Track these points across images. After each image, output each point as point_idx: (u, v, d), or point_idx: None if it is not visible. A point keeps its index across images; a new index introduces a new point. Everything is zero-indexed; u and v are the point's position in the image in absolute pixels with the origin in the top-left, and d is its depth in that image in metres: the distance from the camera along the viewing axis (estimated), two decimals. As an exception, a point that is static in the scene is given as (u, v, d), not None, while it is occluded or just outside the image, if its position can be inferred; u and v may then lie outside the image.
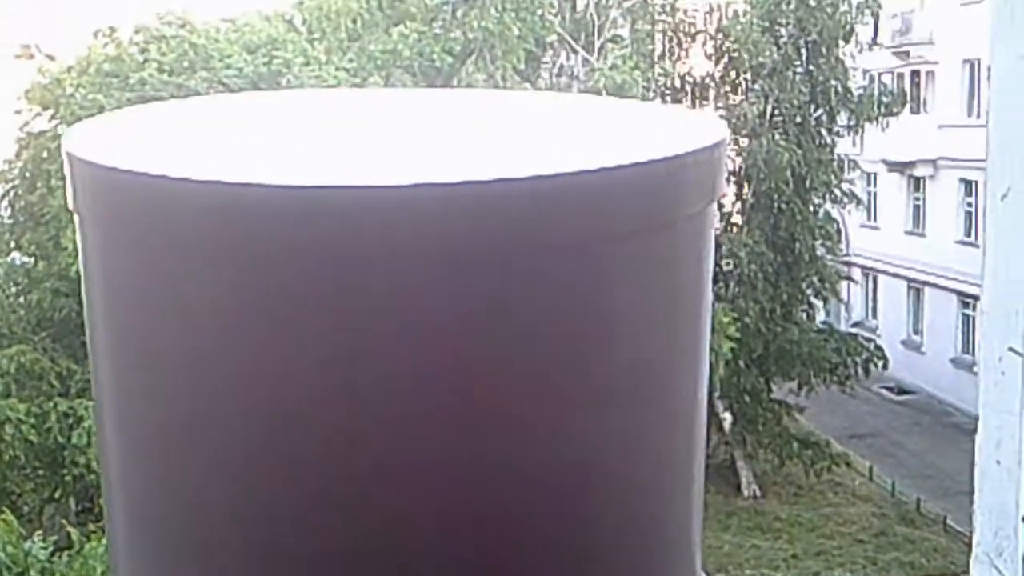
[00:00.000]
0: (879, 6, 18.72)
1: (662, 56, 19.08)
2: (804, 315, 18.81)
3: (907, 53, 22.82)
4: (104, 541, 8.06)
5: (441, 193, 0.53)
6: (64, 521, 10.18)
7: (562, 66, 18.36)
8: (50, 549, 8.34)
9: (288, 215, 0.53)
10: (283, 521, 0.56)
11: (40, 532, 8.84)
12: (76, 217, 0.60)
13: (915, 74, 22.96)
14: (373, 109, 0.74)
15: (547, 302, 0.55)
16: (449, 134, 0.67)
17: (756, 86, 18.84)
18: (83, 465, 11.03)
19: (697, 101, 19.19)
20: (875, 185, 23.79)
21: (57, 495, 11.62)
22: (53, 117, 13.67)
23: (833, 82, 18.86)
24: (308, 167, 0.58)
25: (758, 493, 17.16)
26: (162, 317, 0.56)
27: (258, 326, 0.54)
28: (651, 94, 17.14)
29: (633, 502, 0.60)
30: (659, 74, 18.52)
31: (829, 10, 18.23)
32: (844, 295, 20.85)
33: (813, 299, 18.93)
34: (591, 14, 17.85)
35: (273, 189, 0.53)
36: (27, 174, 13.47)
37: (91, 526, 9.62)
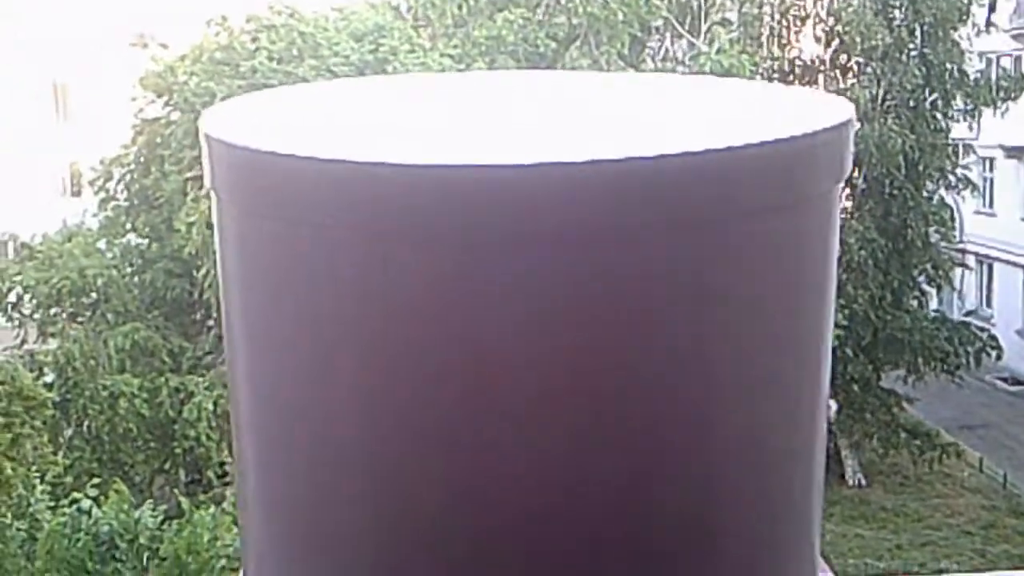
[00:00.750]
0: (996, -13, 18.10)
1: (770, 39, 18.72)
2: (915, 303, 18.31)
3: (1027, 34, 22.01)
4: (211, 511, 8.29)
5: (575, 172, 0.52)
6: (175, 491, 10.49)
7: (667, 51, 18.17)
8: (160, 518, 8.60)
9: (428, 195, 0.52)
10: (412, 513, 0.55)
11: (151, 501, 9.12)
12: (213, 196, 0.61)
13: (1035, 55, 22.13)
14: (492, 91, 0.74)
15: (680, 278, 0.55)
16: (575, 115, 0.66)
17: (868, 69, 18.35)
18: (193, 438, 11.35)
19: (806, 85, 18.80)
20: (991, 171, 23.02)
21: (167, 466, 11.98)
22: (166, 104, 14.07)
23: (948, 65, 18.24)
24: (441, 148, 0.58)
25: (863, 482, 16.81)
26: (297, 294, 0.56)
27: (392, 306, 0.54)
28: (759, 78, 16.84)
29: (757, 478, 0.59)
30: (767, 58, 18.18)
31: (944, -9, 17.68)
32: (957, 283, 20.24)
33: (925, 287, 18.41)
34: (697, -3, 17.60)
35: (414, 169, 0.52)
36: (142, 159, 13.89)
37: (200, 496, 9.87)
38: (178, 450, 11.66)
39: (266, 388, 0.60)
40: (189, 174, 13.11)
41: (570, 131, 0.62)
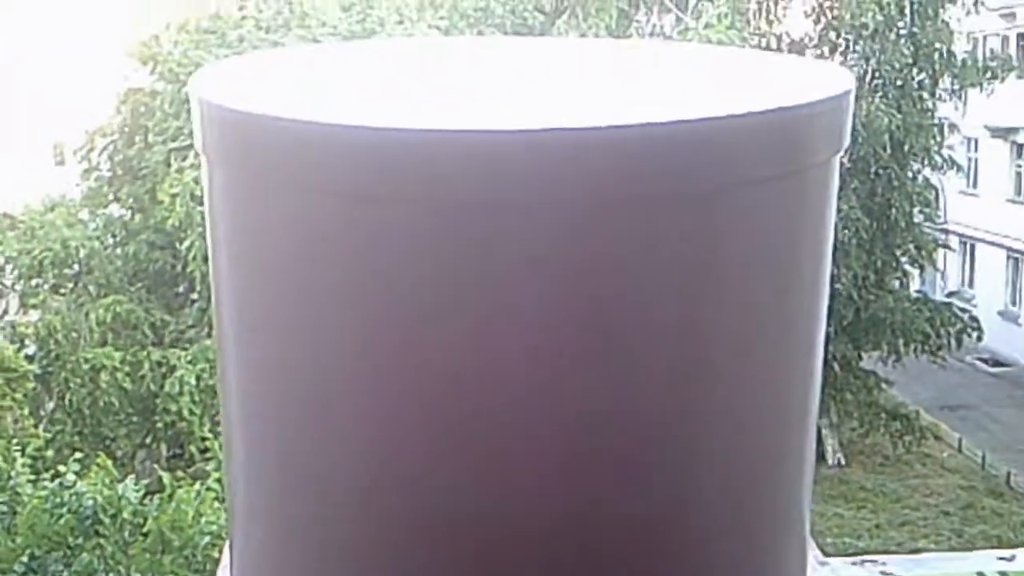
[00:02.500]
0: (986, -34, 18.10)
1: (758, 14, 18.67)
2: (898, 283, 18.40)
3: (1013, 15, 22.02)
4: (195, 487, 8.26)
5: (576, 138, 0.51)
6: (156, 466, 10.47)
7: (655, 25, 18.09)
8: (142, 492, 8.57)
9: (421, 159, 0.51)
10: (391, 471, 0.54)
11: (133, 476, 9.09)
12: (203, 159, 0.60)
13: (1021, 36, 22.14)
14: (482, 57, 0.71)
15: (677, 249, 0.54)
16: (568, 82, 0.65)
17: (856, 48, 18.33)
18: (174, 412, 11.32)
19: (794, 62, 18.71)
20: (976, 151, 23.08)
21: (149, 441, 11.96)
22: (151, 73, 13.93)
23: (937, 45, 18.25)
24: (435, 112, 0.57)
25: (843, 462, 16.93)
26: (285, 257, 0.55)
27: (382, 273, 0.53)
28: (747, 54, 16.74)
29: (745, 452, 0.58)
30: (755, 33, 18.12)
31: (934, -30, 17.66)
32: (940, 264, 20.34)
33: (908, 267, 18.49)
34: (686, -28, 17.52)
35: (406, 133, 0.51)
36: (126, 129, 13.77)
37: (182, 472, 9.86)
38: (160, 424, 11.63)
39: (254, 355, 0.59)
40: (173, 145, 12.99)
41: (565, 98, 0.61)
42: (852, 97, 0.60)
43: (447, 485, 0.54)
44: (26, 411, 9.82)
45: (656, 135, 0.52)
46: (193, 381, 11.26)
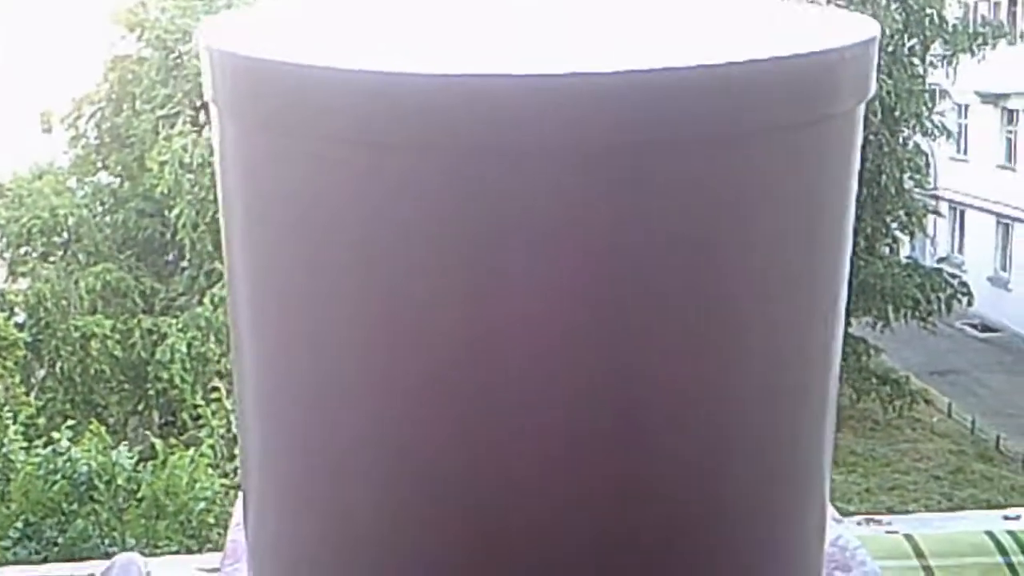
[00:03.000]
0: (977, -70, 18.06)
1: (749, -19, 18.58)
2: (888, 249, 18.46)
3: (1005, -20, 22.00)
4: (189, 454, 8.28)
5: (600, 83, 0.49)
6: (148, 433, 10.50)
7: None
8: (135, 459, 8.60)
9: (436, 104, 0.50)
10: (410, 440, 0.53)
11: (126, 443, 9.11)
12: (213, 108, 0.59)
13: (1012, 2, 22.13)
14: (490, 3, 0.70)
15: (698, 195, 0.52)
16: (585, 27, 0.64)
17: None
18: (166, 380, 11.33)
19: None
20: (966, 117, 23.10)
21: (141, 408, 11.98)
22: (139, 40, 13.83)
23: (928, 10, 18.24)
24: (449, 58, 0.55)
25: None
26: (300, 209, 0.54)
27: (394, 223, 0.52)
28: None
29: (768, 410, 0.57)
30: None
31: (925, -66, 17.63)
32: (930, 229, 20.42)
33: (898, 233, 18.55)
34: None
35: (419, 78, 0.50)
36: (113, 96, 13.69)
37: (174, 440, 9.88)
38: (151, 392, 11.64)
39: (268, 311, 0.57)
40: (161, 112, 12.91)
41: (579, 44, 0.59)
42: (877, 45, 0.59)
43: (457, 469, 0.53)
44: (17, 379, 9.81)
45: (682, 79, 0.50)
46: (184, 349, 11.25)
